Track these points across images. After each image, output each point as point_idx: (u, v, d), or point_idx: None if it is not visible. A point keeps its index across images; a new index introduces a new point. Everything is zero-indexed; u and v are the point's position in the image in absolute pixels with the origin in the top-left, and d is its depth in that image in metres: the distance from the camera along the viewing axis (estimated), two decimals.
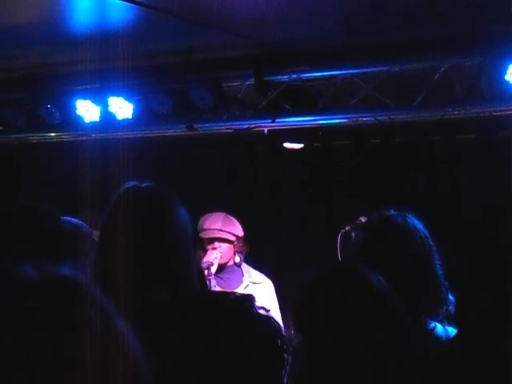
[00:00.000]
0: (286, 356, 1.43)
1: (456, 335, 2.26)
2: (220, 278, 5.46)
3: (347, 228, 4.79)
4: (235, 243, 5.49)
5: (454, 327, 2.74)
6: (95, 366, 0.87)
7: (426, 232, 2.90)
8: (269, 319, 1.48)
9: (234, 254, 5.51)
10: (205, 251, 5.44)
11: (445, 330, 2.82)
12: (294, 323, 1.82)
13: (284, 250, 7.46)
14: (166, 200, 2.41)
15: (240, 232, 5.53)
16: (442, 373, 2.00)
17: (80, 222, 2.96)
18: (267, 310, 5.45)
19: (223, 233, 5.44)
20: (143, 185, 2.43)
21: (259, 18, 5.07)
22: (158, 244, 2.26)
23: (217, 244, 5.44)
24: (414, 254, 2.78)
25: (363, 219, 4.59)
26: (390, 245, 2.79)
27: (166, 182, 7.72)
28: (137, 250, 2.08)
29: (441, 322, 2.84)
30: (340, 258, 4.82)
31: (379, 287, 1.90)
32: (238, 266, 5.52)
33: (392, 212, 2.97)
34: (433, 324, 2.82)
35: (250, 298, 1.47)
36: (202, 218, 5.54)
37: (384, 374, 1.78)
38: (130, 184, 2.43)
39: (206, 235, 5.46)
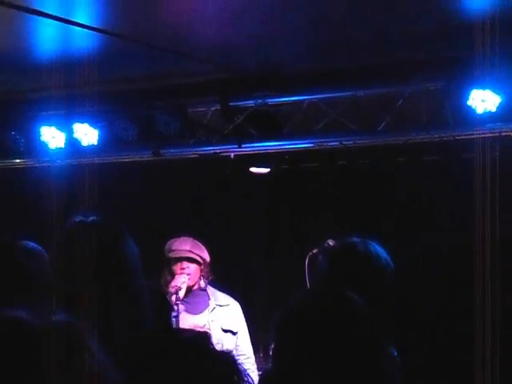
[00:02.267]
0: None
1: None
2: (187, 302, 5.45)
3: (315, 251, 4.81)
4: (202, 267, 5.50)
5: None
6: None
7: (388, 259, 2.93)
8: (225, 355, 1.48)
9: (200, 279, 5.51)
10: (172, 274, 5.43)
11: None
12: (275, 344, 1.84)
13: (252, 274, 7.46)
14: (114, 235, 2.36)
15: (207, 256, 5.54)
16: None
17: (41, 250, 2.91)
18: (234, 333, 5.43)
19: (192, 254, 5.45)
20: (90, 219, 2.37)
21: (225, 44, 5.10)
22: (108, 282, 2.22)
23: (185, 264, 5.43)
24: (376, 280, 2.81)
25: (331, 242, 4.61)
26: (351, 271, 2.82)
27: (132, 208, 7.70)
28: (87, 289, 2.05)
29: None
30: (308, 281, 4.84)
31: (363, 312, 1.92)
32: (203, 290, 5.53)
33: (355, 239, 3.00)
34: (392, 350, 2.84)
35: (205, 336, 1.47)
36: (169, 242, 5.56)
37: None
38: (77, 219, 2.37)
39: (174, 255, 5.46)
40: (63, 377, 0.93)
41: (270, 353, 4.97)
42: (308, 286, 4.86)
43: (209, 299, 5.51)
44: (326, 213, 7.04)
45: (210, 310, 5.46)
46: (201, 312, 5.45)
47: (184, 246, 5.48)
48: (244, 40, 5.02)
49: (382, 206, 6.89)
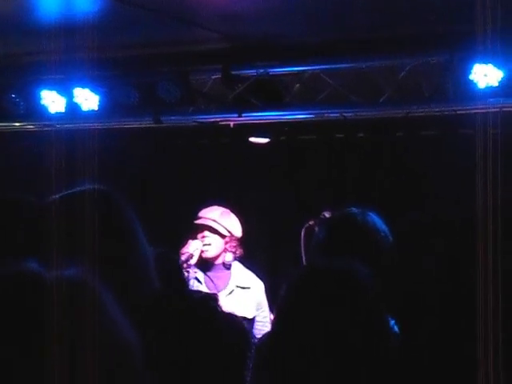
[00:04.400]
0: (248, 354, 1.45)
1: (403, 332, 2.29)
2: (208, 276, 5.23)
3: (311, 222, 4.82)
4: (227, 240, 5.25)
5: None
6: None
7: (386, 230, 2.92)
8: (232, 317, 1.50)
9: (225, 252, 5.26)
10: (194, 239, 5.20)
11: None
12: (276, 311, 1.85)
13: (248, 244, 7.47)
14: (112, 201, 2.34)
15: (236, 231, 5.30)
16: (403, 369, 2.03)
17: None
18: (249, 319, 4.98)
19: (216, 224, 5.22)
20: (85, 188, 2.35)
21: (229, 13, 5.07)
22: (112, 247, 2.22)
23: (206, 233, 5.21)
24: (375, 251, 2.80)
25: (327, 214, 4.62)
26: (348, 242, 2.81)
27: (131, 174, 7.72)
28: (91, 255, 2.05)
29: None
30: (303, 253, 4.86)
31: (367, 281, 1.94)
32: (228, 267, 5.27)
33: (353, 210, 2.99)
34: (391, 321, 2.86)
35: (213, 298, 1.49)
36: (204, 208, 5.36)
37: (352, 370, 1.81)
38: (72, 190, 2.35)
39: (198, 222, 5.25)
40: (75, 334, 0.92)
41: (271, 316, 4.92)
42: (303, 258, 4.87)
43: (229, 279, 5.25)
44: (323, 185, 7.04)
45: (228, 291, 5.19)
46: (219, 291, 5.08)
47: (211, 214, 5.27)
48: (247, 9, 5.00)
49: (379, 180, 6.90)
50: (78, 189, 2.28)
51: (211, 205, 5.42)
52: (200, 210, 5.38)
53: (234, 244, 5.28)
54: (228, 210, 5.40)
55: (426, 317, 2.04)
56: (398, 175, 6.90)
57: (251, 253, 5.74)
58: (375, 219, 2.90)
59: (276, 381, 1.70)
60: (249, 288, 5.26)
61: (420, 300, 2.16)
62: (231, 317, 1.51)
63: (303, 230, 4.91)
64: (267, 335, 2.13)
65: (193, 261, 5.09)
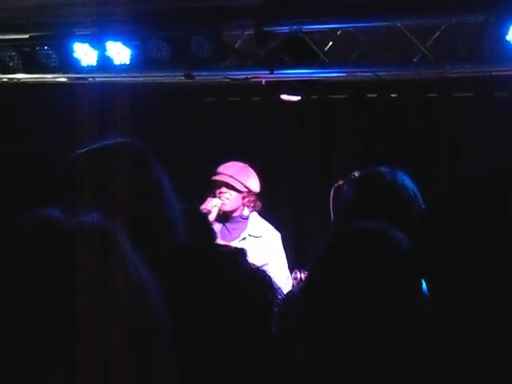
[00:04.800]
0: (275, 309, 1.45)
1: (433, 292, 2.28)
2: (225, 226, 5.31)
3: (340, 182, 4.80)
4: (245, 195, 5.29)
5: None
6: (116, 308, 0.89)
7: (415, 190, 2.90)
8: (260, 273, 1.50)
9: (243, 206, 5.31)
10: (213, 195, 5.27)
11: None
12: (311, 271, 1.85)
13: (279, 202, 7.48)
14: (139, 154, 2.32)
15: (254, 186, 5.33)
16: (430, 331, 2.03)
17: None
18: (259, 266, 5.34)
19: (233, 180, 5.26)
20: (114, 141, 2.33)
21: None
22: (139, 199, 2.21)
23: (224, 189, 5.25)
24: (404, 211, 2.78)
25: (357, 174, 4.59)
26: (377, 201, 2.78)
27: (159, 129, 7.74)
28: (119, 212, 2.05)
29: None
30: (332, 212, 4.85)
31: (403, 244, 1.93)
32: (245, 218, 5.33)
33: (382, 169, 2.96)
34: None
35: (241, 252, 1.49)
36: (222, 163, 5.40)
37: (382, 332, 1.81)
38: (101, 143, 2.34)
39: (216, 178, 5.30)
40: (97, 283, 0.91)
41: (295, 275, 4.96)
42: (332, 217, 4.87)
43: (245, 229, 5.32)
44: (353, 145, 7.01)
45: (240, 239, 5.28)
46: (232, 240, 5.25)
47: (229, 170, 5.30)
48: None
49: (410, 141, 6.85)
50: (107, 142, 2.27)
51: (232, 160, 5.45)
52: (219, 165, 5.41)
53: (252, 199, 5.34)
54: (246, 165, 5.43)
55: (455, 279, 2.03)
56: (430, 137, 6.85)
57: (272, 206, 5.76)
58: (404, 178, 2.87)
59: (306, 339, 1.70)
60: (260, 237, 5.31)
61: (448, 262, 2.14)
62: (258, 272, 1.51)
63: (332, 189, 4.90)
64: (298, 293, 2.12)
65: (211, 217, 5.12)
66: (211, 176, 5.35)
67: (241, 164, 5.40)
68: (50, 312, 0.88)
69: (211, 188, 5.33)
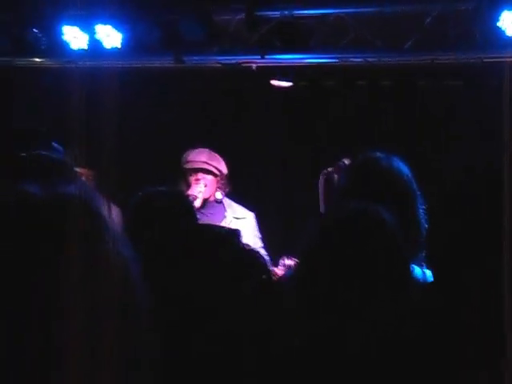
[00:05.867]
0: (271, 289, 1.44)
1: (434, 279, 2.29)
2: (202, 213, 5.39)
3: (329, 169, 4.80)
4: (218, 179, 5.44)
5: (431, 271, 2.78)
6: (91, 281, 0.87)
7: (410, 175, 2.90)
8: (255, 253, 1.49)
9: (216, 190, 5.46)
10: (188, 185, 5.39)
11: (423, 273, 2.85)
12: (303, 255, 1.85)
13: (267, 188, 7.48)
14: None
15: (224, 169, 5.48)
16: (421, 316, 2.03)
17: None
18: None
19: (208, 165, 5.39)
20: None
21: None
22: None
23: (200, 175, 5.38)
24: (398, 195, 2.78)
25: (346, 161, 4.59)
26: (373, 184, 2.79)
27: (150, 114, 7.68)
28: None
29: (420, 265, 2.87)
30: (321, 198, 4.85)
31: (393, 228, 1.93)
32: (219, 202, 5.48)
33: (378, 154, 2.97)
34: (412, 266, 2.85)
35: (236, 233, 1.48)
36: (186, 153, 5.51)
37: (371, 312, 1.82)
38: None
39: (190, 166, 5.40)
40: (76, 260, 0.89)
41: (283, 262, 4.99)
42: (321, 203, 4.87)
43: (225, 211, 5.46)
44: (342, 132, 7.01)
45: (228, 222, 5.35)
46: (218, 223, 5.22)
47: (200, 157, 5.41)
48: None
49: (400, 128, 6.85)
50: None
51: (196, 147, 5.54)
52: (183, 153, 5.51)
53: (224, 181, 5.47)
54: (211, 150, 5.51)
55: (451, 264, 2.04)
56: (420, 124, 6.85)
57: (240, 188, 5.84)
58: (399, 163, 2.87)
59: (299, 319, 1.71)
60: (244, 218, 5.46)
61: (443, 246, 2.15)
62: (253, 252, 1.50)
63: (321, 175, 4.90)
64: (292, 276, 2.12)
65: (197, 203, 5.22)
66: (182, 165, 5.45)
67: (207, 150, 5.51)
68: (32, 288, 0.87)
69: (184, 177, 5.43)
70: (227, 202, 5.52)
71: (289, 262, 5.01)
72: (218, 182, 5.45)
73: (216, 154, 5.51)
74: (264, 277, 1.45)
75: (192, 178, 5.39)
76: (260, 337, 1.37)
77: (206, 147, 5.55)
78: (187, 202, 3.50)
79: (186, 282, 1.38)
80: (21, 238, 0.88)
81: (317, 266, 1.87)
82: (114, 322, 0.89)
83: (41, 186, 0.94)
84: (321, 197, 4.83)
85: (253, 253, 1.51)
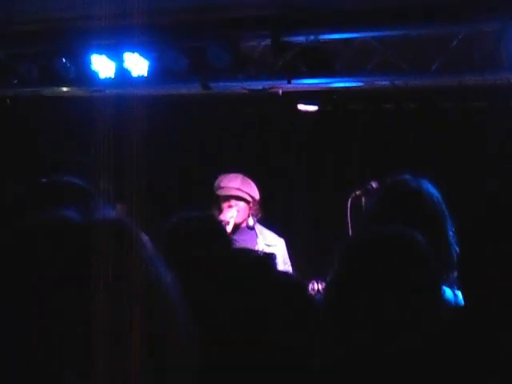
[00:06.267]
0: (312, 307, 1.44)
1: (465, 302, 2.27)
2: (234, 239, 5.40)
3: (357, 192, 4.81)
4: (251, 205, 5.44)
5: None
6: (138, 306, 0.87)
7: (439, 197, 2.90)
8: (291, 275, 1.50)
9: (248, 216, 5.45)
10: (220, 210, 5.38)
11: (455, 295, 2.84)
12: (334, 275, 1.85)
13: (294, 213, 7.48)
14: None
15: (256, 195, 5.47)
16: (451, 339, 2.02)
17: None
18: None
19: (241, 192, 5.38)
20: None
21: None
22: None
23: (233, 202, 5.37)
24: (428, 217, 2.78)
25: (374, 184, 4.59)
26: (403, 207, 2.78)
27: (178, 141, 7.73)
28: None
29: (450, 287, 2.85)
30: (349, 222, 4.84)
31: (424, 249, 1.92)
32: (251, 228, 5.47)
33: (406, 176, 2.97)
34: (443, 288, 2.84)
35: (271, 256, 1.48)
36: (218, 178, 5.50)
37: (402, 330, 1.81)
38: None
39: (223, 192, 5.40)
40: (114, 278, 0.89)
41: (312, 286, 4.99)
42: (349, 227, 4.86)
43: (257, 237, 5.45)
44: (369, 155, 7.00)
45: (259, 249, 5.23)
46: None
47: (233, 183, 5.41)
48: None
49: (428, 151, 6.83)
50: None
51: (229, 172, 5.57)
52: (219, 179, 5.52)
53: (256, 207, 5.49)
54: (244, 176, 5.53)
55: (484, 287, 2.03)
56: (448, 146, 6.83)
57: (270, 214, 5.84)
58: (428, 185, 2.87)
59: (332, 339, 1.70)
60: (275, 245, 5.45)
61: (475, 268, 2.14)
62: (289, 275, 1.51)
63: (350, 199, 4.90)
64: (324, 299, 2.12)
65: (229, 228, 5.22)
66: (214, 191, 5.45)
67: (240, 176, 5.52)
68: (66, 310, 0.87)
69: (217, 203, 5.43)
70: (259, 228, 5.52)
71: (318, 286, 5.01)
72: (250, 208, 5.45)
73: (249, 180, 5.51)
74: (306, 296, 1.44)
75: (225, 204, 5.39)
76: (300, 356, 1.37)
77: (239, 172, 5.55)
78: (220, 226, 3.50)
79: (222, 308, 1.37)
80: (63, 262, 0.89)
81: (348, 287, 1.86)
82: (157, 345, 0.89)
83: (77, 212, 0.95)
84: (349, 220, 4.84)
85: (289, 275, 1.51)
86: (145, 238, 0.99)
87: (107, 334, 0.87)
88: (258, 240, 5.45)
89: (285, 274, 1.48)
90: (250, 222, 5.46)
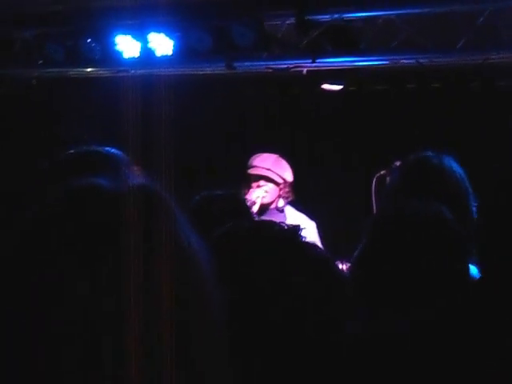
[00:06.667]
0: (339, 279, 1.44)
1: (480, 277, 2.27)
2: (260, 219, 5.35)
3: (382, 172, 4.79)
4: (281, 186, 5.33)
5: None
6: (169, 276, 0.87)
7: (462, 173, 2.88)
8: (317, 247, 1.50)
9: (279, 198, 5.36)
10: (249, 189, 5.31)
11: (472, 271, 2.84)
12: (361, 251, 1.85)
13: (318, 193, 7.47)
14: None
15: (289, 177, 5.38)
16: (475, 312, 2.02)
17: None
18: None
19: (271, 173, 5.29)
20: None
21: None
22: None
23: (262, 182, 5.28)
24: (450, 193, 2.76)
25: (398, 164, 4.56)
26: (426, 183, 2.77)
27: (202, 120, 7.71)
28: None
29: (471, 263, 2.85)
30: (374, 202, 4.83)
31: (454, 224, 1.93)
32: (281, 210, 5.37)
33: (428, 153, 2.95)
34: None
35: (298, 228, 1.48)
36: (253, 156, 5.42)
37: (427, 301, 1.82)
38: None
39: (253, 171, 5.32)
40: (145, 243, 0.87)
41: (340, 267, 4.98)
42: (374, 206, 4.85)
43: (285, 220, 5.28)
44: (394, 135, 6.97)
45: None
46: None
47: (265, 163, 5.32)
48: None
49: (452, 130, 6.79)
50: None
51: (264, 152, 5.47)
52: (252, 158, 5.43)
53: (287, 190, 5.36)
54: (279, 156, 5.43)
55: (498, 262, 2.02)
56: (473, 126, 6.79)
57: (305, 196, 5.77)
58: (451, 162, 2.85)
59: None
60: (305, 228, 5.30)
61: (494, 246, 2.14)
62: (316, 246, 1.51)
63: (375, 178, 4.88)
64: (351, 274, 2.13)
65: (254, 208, 5.15)
66: (246, 169, 5.38)
67: (274, 156, 5.42)
68: (97, 280, 0.86)
69: (247, 181, 5.35)
70: (289, 210, 5.41)
71: (343, 266, 4.98)
72: (280, 189, 5.35)
73: (283, 161, 5.41)
74: (333, 267, 1.45)
75: (254, 184, 5.31)
76: (324, 327, 1.37)
77: (275, 152, 5.45)
78: (243, 204, 3.50)
79: (250, 276, 1.37)
80: (101, 230, 0.89)
81: (376, 259, 1.87)
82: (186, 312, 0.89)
83: (109, 179, 0.94)
84: (373, 200, 4.82)
85: (315, 246, 1.51)
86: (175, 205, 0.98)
87: (138, 308, 0.86)
88: (287, 222, 5.35)
89: (313, 245, 1.48)
90: (280, 203, 5.36)
